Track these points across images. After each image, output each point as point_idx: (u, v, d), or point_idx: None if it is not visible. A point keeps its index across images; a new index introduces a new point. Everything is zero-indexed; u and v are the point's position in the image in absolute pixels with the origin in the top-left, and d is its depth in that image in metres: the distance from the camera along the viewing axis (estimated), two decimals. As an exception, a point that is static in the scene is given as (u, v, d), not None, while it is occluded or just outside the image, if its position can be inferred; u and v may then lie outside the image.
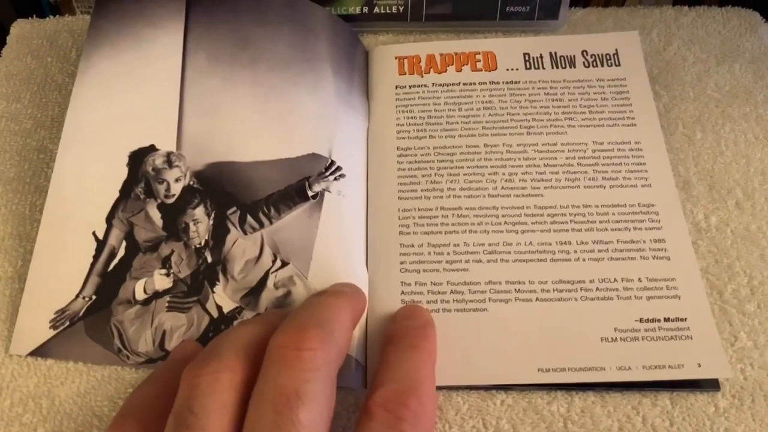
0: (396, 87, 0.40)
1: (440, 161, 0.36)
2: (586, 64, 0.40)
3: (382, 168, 0.37)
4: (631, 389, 0.30)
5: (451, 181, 0.36)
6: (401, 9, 0.43)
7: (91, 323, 0.32)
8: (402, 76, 0.40)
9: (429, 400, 0.26)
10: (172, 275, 0.33)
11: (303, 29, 0.39)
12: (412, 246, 0.34)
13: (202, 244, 0.33)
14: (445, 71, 0.40)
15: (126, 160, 0.35)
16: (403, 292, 0.33)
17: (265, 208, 0.34)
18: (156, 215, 0.34)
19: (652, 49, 0.42)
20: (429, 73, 0.40)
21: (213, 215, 0.34)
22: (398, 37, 0.44)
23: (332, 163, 0.35)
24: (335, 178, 0.35)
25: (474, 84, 0.40)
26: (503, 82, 0.40)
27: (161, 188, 0.35)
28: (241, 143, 0.35)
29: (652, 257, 0.33)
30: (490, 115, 0.38)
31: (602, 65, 0.40)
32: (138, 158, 0.35)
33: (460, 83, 0.40)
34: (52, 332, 0.32)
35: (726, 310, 0.33)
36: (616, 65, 0.40)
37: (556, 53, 0.41)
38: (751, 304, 0.33)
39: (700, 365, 0.30)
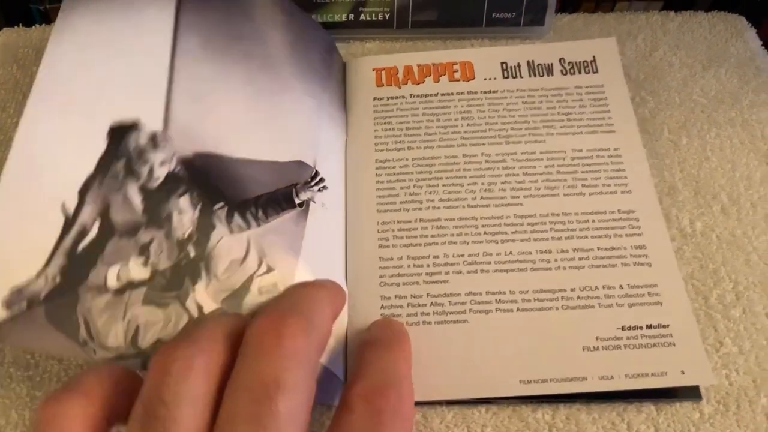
0: (374, 99, 0.40)
1: (419, 173, 0.36)
2: (564, 72, 0.40)
3: (360, 181, 0.37)
4: (613, 400, 0.30)
5: (430, 193, 0.35)
6: (387, 16, 0.43)
7: (53, 308, 0.28)
8: (380, 88, 0.40)
9: (408, 396, 0.26)
10: (150, 265, 0.30)
11: (286, 34, 0.38)
12: (392, 259, 0.34)
13: (186, 236, 0.31)
14: (423, 82, 0.40)
15: (106, 131, 0.32)
16: (382, 306, 0.32)
17: (253, 209, 0.32)
18: (136, 198, 0.31)
19: (638, 54, 0.42)
20: (407, 84, 0.40)
21: (199, 207, 0.31)
22: (384, 45, 0.44)
23: (317, 173, 0.34)
24: (319, 189, 0.34)
25: (452, 94, 0.39)
26: (481, 92, 0.39)
27: (144, 170, 0.32)
28: (231, 137, 0.33)
29: (633, 264, 0.33)
30: (468, 125, 0.38)
31: (580, 72, 0.40)
32: (120, 133, 0.32)
33: (437, 94, 0.39)
34: (6, 313, 0.28)
35: (711, 315, 0.33)
36: (593, 72, 0.40)
37: (533, 62, 0.40)
38: (737, 309, 0.33)
39: (683, 372, 0.30)
